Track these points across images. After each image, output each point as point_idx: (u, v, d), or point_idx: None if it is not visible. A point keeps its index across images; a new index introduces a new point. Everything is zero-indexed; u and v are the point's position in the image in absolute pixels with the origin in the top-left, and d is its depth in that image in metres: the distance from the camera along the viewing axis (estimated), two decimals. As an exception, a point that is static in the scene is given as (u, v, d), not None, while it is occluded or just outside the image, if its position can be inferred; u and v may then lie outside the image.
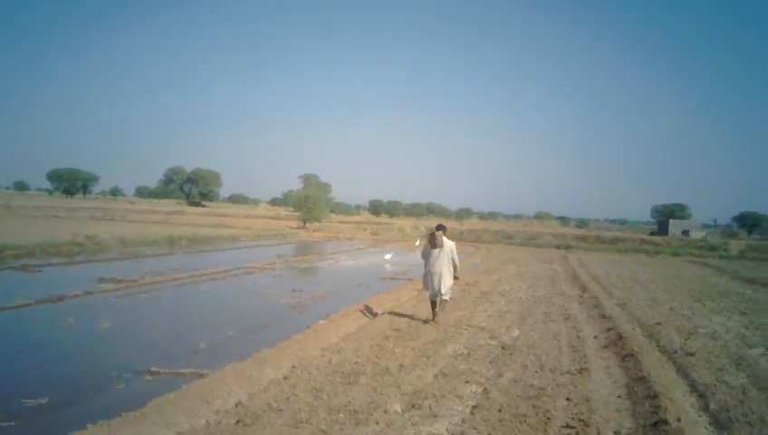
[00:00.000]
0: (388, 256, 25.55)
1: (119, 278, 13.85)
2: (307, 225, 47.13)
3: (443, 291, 10.41)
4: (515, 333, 9.89)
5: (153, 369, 6.96)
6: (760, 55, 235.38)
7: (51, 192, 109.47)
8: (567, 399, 6.43)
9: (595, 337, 10.04)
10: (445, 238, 10.57)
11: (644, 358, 8.15)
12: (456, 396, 6.32)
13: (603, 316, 11.91)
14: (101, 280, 13.56)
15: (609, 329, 10.57)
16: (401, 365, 7.46)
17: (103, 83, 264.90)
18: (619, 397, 6.72)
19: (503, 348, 8.74)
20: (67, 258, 18.23)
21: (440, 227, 10.75)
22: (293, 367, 7.19)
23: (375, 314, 11.21)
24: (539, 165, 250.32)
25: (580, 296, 15.10)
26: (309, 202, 48.78)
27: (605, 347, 9.29)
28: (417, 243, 35.30)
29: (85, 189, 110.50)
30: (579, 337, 9.88)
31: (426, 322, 10.34)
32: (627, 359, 8.34)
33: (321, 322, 9.77)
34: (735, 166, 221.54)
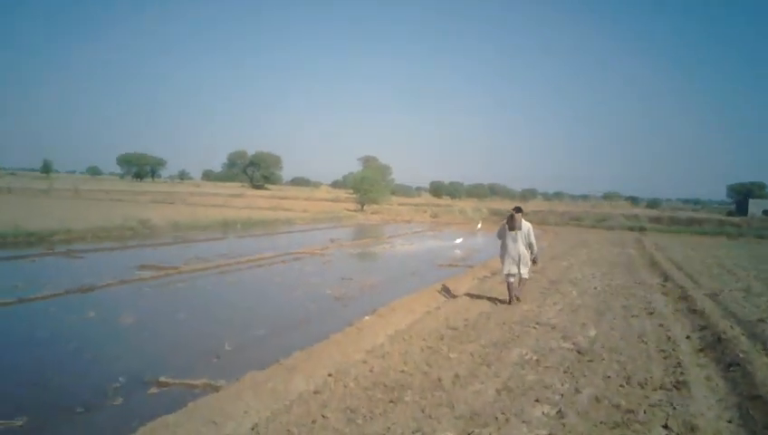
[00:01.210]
0: (458, 241, 24.29)
1: (159, 265, 13.14)
2: (365, 207, 46.19)
3: (523, 272, 10.42)
4: (592, 333, 8.46)
5: (162, 379, 5.93)
6: None
7: (122, 176, 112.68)
8: (665, 427, 5.05)
9: (687, 337, 8.50)
10: (523, 220, 10.45)
11: (753, 368, 6.63)
12: (523, 421, 5.03)
13: (693, 311, 10.28)
14: (141, 267, 12.86)
15: (702, 327, 9.00)
16: (456, 376, 6.20)
17: (167, 70, 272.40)
18: (729, 422, 5.28)
19: (578, 353, 7.36)
20: (116, 242, 17.85)
21: (518, 210, 10.61)
22: (328, 376, 6.07)
23: (430, 308, 10.00)
24: (607, 143, 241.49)
25: (663, 286, 13.39)
26: (365, 184, 47.80)
27: (701, 351, 7.77)
28: (479, 226, 33.93)
29: (153, 173, 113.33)
30: (668, 338, 8.36)
31: (509, 302, 10.39)
32: (731, 368, 6.83)
33: (367, 317, 8.66)
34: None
